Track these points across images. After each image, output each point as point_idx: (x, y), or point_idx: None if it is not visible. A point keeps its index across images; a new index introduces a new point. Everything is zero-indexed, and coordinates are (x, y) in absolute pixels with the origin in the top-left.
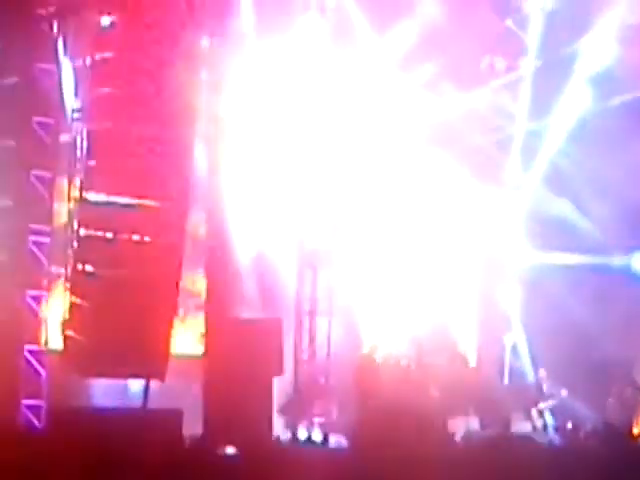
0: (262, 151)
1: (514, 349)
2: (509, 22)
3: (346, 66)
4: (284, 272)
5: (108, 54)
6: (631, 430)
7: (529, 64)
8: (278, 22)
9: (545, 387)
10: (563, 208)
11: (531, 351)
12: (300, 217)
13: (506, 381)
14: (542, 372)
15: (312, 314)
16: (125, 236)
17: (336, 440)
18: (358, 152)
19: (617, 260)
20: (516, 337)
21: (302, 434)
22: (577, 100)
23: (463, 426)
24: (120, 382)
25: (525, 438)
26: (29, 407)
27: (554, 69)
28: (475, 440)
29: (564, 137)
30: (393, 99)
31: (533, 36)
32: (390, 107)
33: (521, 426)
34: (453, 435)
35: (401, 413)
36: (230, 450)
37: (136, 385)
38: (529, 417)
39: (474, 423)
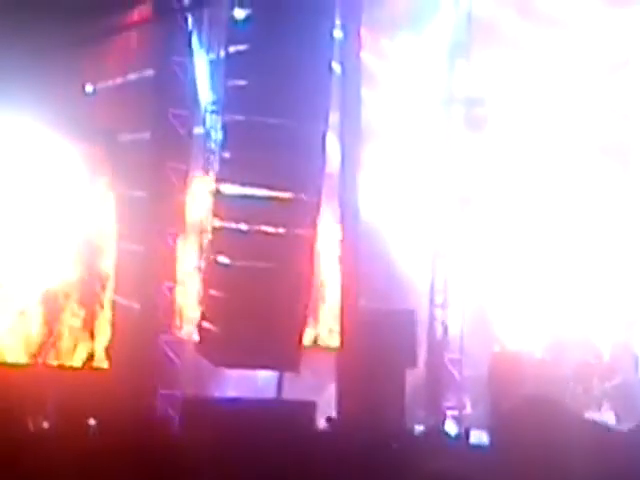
0: (399, 146)
1: None
2: None
3: None
4: (416, 264)
5: (242, 47)
6: None
7: None
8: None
9: None
10: None
11: None
12: (434, 209)
13: None
14: None
15: (444, 306)
16: (259, 228)
17: (476, 435)
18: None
19: None
20: None
21: (437, 426)
22: None
23: (599, 420)
24: (253, 373)
25: None
26: (165, 397)
27: None
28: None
29: None
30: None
31: None
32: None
33: None
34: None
35: (542, 406)
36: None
37: (268, 376)
38: None
39: (609, 417)
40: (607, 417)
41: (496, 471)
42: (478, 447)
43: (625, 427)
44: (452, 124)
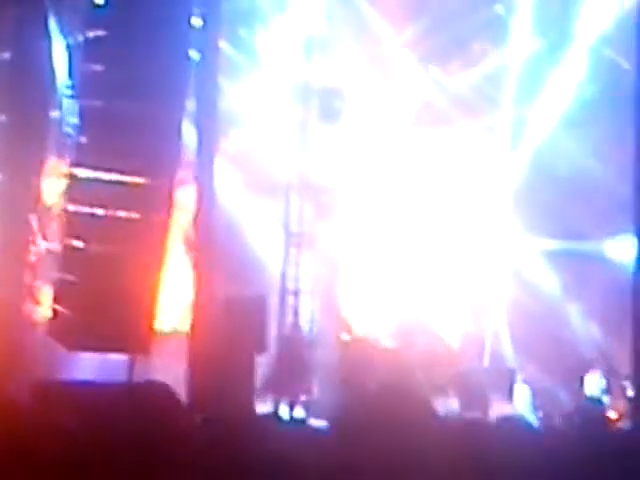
0: (254, 131)
1: (495, 333)
2: (498, 8)
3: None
4: (270, 251)
5: (100, 32)
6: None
7: (517, 50)
8: None
9: None
10: (547, 194)
11: (511, 335)
12: (287, 197)
13: (486, 364)
14: None
15: (296, 293)
16: (112, 212)
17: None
18: (347, 134)
19: (592, 246)
20: (497, 320)
21: (284, 411)
22: (564, 87)
23: (443, 407)
24: (105, 356)
25: (505, 420)
26: (15, 380)
27: (542, 55)
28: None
29: (550, 125)
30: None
31: (521, 22)
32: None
33: (499, 408)
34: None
35: (387, 395)
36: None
37: (121, 360)
38: (508, 399)
39: (454, 404)
40: (452, 405)
41: (338, 457)
42: (321, 432)
43: (469, 415)
44: (308, 114)
